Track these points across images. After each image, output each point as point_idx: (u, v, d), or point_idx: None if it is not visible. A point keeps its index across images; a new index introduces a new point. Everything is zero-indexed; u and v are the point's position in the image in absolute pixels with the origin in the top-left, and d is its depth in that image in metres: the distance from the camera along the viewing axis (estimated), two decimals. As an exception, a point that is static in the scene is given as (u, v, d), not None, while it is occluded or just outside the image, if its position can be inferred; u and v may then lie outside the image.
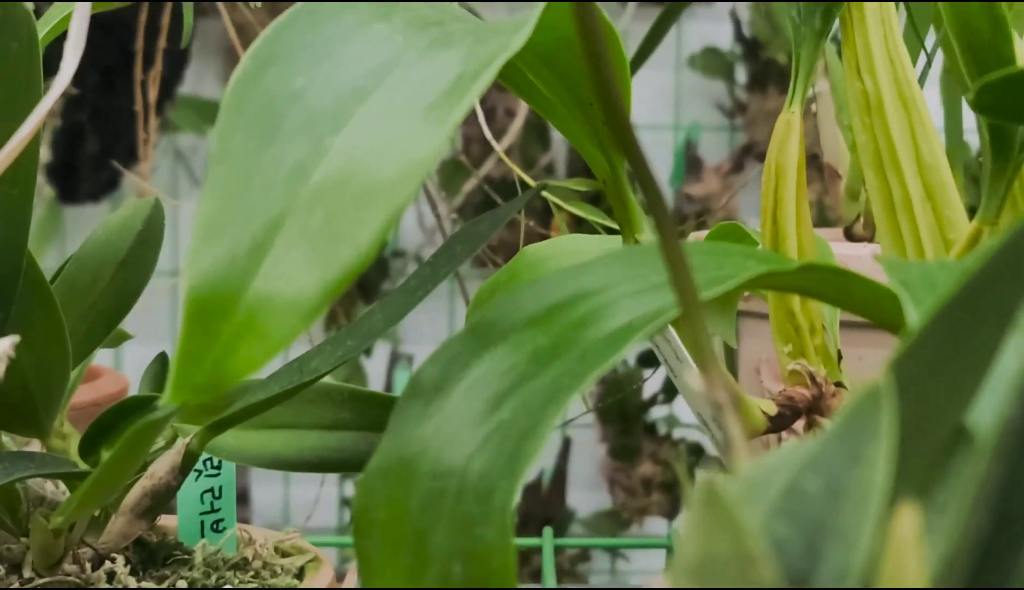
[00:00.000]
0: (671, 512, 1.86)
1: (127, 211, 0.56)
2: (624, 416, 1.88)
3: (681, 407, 1.82)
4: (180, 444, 0.50)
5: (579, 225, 1.95)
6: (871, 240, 0.83)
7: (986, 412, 0.25)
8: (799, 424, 0.56)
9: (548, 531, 1.01)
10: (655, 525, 1.86)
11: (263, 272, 0.33)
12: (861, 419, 0.24)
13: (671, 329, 0.49)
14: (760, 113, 1.85)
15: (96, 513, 0.51)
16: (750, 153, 1.85)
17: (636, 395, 1.82)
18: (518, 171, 1.04)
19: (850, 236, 0.85)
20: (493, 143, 1.10)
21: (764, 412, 0.54)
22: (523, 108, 1.68)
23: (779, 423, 0.54)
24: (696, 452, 1.90)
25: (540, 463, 1.88)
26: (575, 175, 1.85)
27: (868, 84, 0.55)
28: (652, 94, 1.89)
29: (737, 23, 1.84)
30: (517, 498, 0.34)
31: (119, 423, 0.49)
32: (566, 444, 1.85)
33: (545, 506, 1.89)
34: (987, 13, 0.46)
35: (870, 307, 0.38)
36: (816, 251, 0.57)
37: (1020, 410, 0.22)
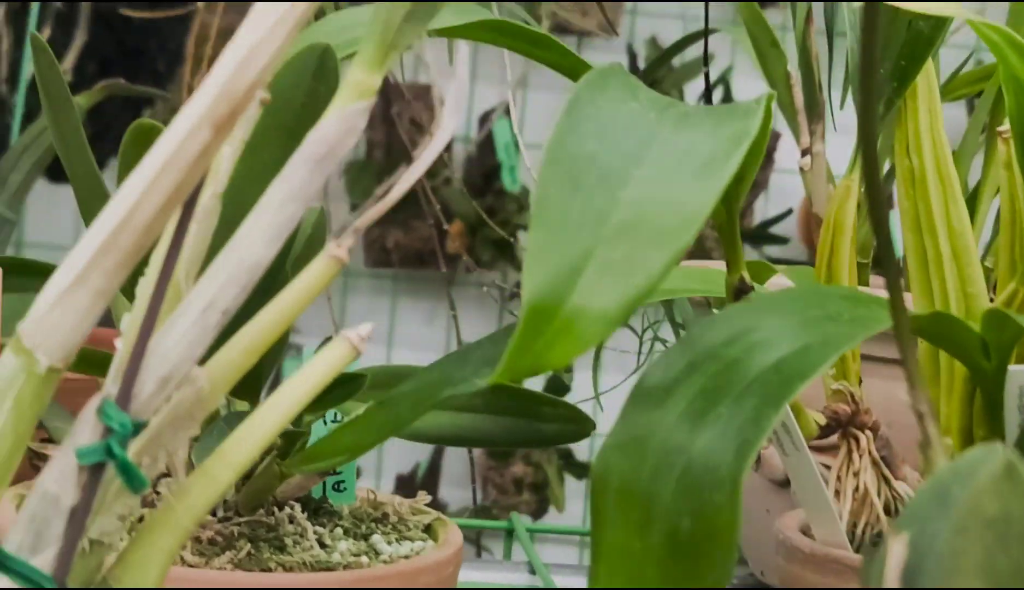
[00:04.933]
0: (538, 511, 1.96)
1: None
2: (502, 417, 1.95)
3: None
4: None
5: (473, 234, 2.06)
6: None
7: None
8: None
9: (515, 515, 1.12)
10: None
11: (578, 289, 0.43)
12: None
13: (790, 415, 0.61)
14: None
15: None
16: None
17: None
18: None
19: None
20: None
21: (817, 422, 0.66)
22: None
23: (826, 432, 0.67)
24: (565, 456, 2.01)
25: (416, 456, 1.95)
26: (469, 186, 1.95)
27: (915, 162, 0.67)
28: (547, 116, 1.97)
29: (632, 56, 1.98)
30: (745, 475, 0.45)
31: (324, 397, 0.59)
32: (443, 440, 1.88)
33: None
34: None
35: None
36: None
37: None
